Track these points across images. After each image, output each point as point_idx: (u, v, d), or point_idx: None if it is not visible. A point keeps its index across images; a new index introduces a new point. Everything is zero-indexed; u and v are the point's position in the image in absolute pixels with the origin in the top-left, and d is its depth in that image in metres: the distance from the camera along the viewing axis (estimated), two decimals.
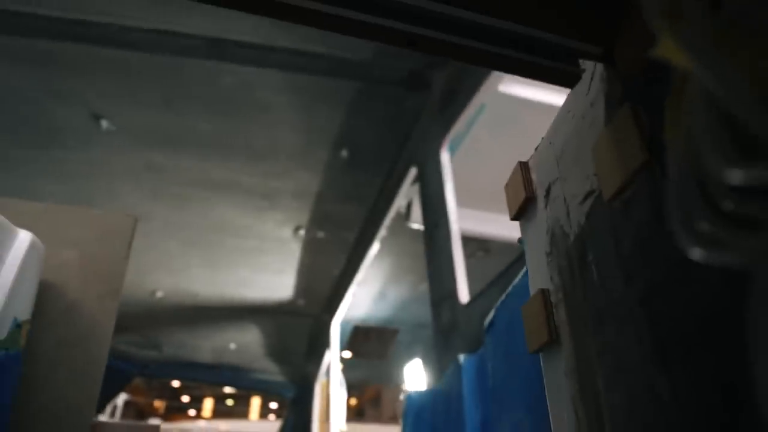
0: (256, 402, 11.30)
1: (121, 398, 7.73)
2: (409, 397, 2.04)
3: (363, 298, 4.86)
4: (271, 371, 6.20)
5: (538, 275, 0.62)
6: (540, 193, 0.65)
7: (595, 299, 0.49)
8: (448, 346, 2.47)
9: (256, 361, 6.01)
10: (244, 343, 5.65)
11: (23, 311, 0.92)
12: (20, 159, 2.22)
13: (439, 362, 2.52)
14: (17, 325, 0.91)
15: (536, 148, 0.67)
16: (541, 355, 0.57)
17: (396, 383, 6.57)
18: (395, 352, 5.73)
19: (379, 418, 8.89)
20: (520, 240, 0.69)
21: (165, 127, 2.84)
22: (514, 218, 0.71)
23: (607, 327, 0.47)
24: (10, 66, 2.38)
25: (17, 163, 2.91)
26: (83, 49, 2.33)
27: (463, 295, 2.52)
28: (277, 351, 5.83)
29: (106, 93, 2.58)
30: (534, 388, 0.88)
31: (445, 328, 2.63)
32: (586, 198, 0.52)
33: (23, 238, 0.92)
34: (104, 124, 2.74)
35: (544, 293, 0.59)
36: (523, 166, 0.70)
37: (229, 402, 11.56)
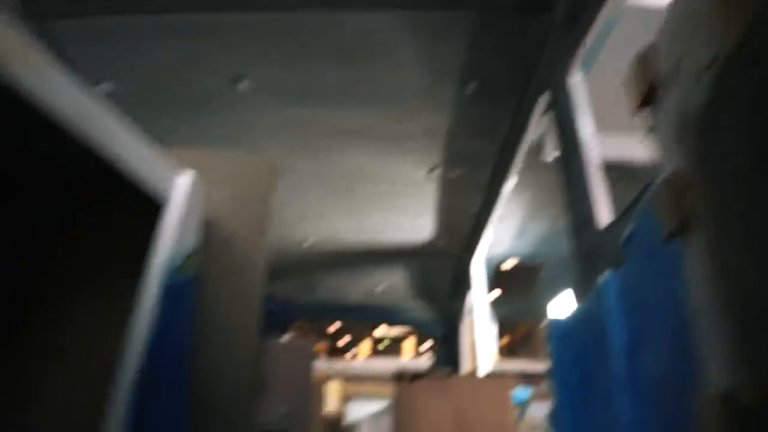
0: (409, 343, 12.03)
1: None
2: (553, 324, 1.97)
3: (503, 235, 4.76)
4: (419, 310, 6.52)
5: (668, 161, 0.55)
6: (663, 78, 0.57)
7: (729, 177, 0.41)
8: (589, 272, 2.31)
9: (403, 301, 6.36)
10: (390, 284, 5.99)
11: (192, 242, 1.08)
12: (164, 129, 2.55)
13: (581, 289, 2.38)
14: (188, 255, 1.07)
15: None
16: (676, 241, 0.51)
17: (541, 320, 6.44)
18: (542, 288, 5.57)
19: (531, 355, 8.85)
20: None
21: (297, 81, 3.02)
22: (638, 110, 0.66)
23: (743, 204, 0.39)
24: (154, 41, 2.72)
25: (161, 134, 3.34)
26: (215, 17, 2.55)
27: (603, 219, 2.33)
28: (422, 291, 6.08)
29: (240, 56, 2.82)
30: (679, 298, 0.78)
31: (585, 255, 2.46)
32: (709, 67, 0.44)
33: (186, 177, 1.07)
34: (241, 86, 3.01)
35: (675, 177, 0.51)
36: (642, 57, 0.64)
37: (384, 344, 12.46)
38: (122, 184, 0.94)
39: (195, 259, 1.06)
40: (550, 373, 1.93)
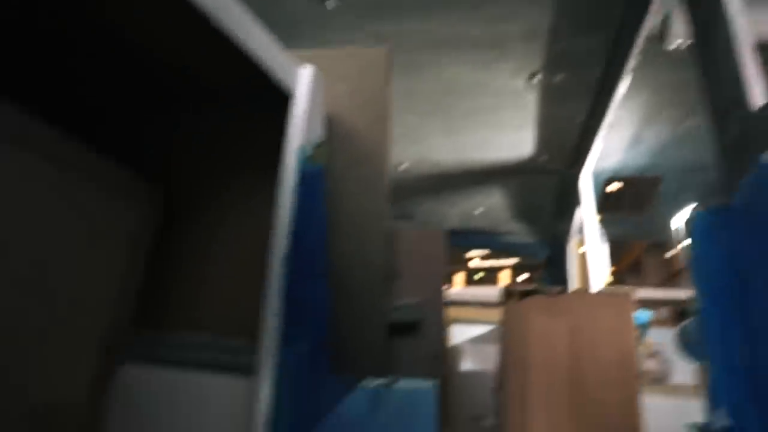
0: (505, 274, 11.92)
1: None
2: (696, 218, 1.76)
3: (614, 146, 4.36)
4: (520, 233, 6.35)
5: None
6: None
7: None
8: (738, 161, 2.02)
9: (503, 223, 6.22)
10: (489, 206, 5.85)
11: (317, 134, 1.08)
12: None
13: (727, 182, 2.10)
14: (316, 146, 1.07)
15: None
16: None
17: (662, 238, 5.97)
18: (658, 204, 5.11)
19: (644, 282, 8.37)
20: None
21: None
22: None
23: None
24: None
25: None
26: None
27: (757, 101, 1.98)
28: (523, 212, 5.88)
29: None
30: None
31: (732, 143, 2.14)
32: None
33: (307, 71, 1.05)
34: (329, 4, 2.92)
35: None
36: None
37: (479, 275, 12.46)
38: (255, 78, 0.94)
39: (322, 150, 1.06)
40: (693, 277, 1.76)
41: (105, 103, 1.04)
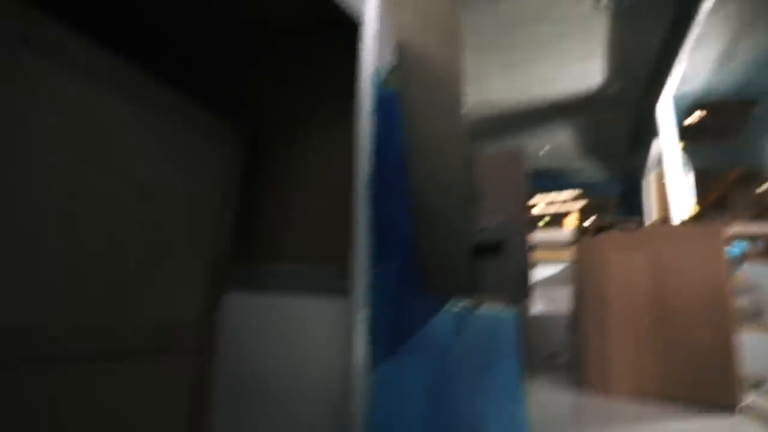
0: (571, 219, 11.48)
1: None
2: None
3: (698, 67, 3.97)
4: (590, 171, 6.06)
5: None
6: None
7: None
8: None
9: (571, 162, 5.95)
10: (556, 145, 5.60)
11: (389, 60, 1.07)
12: None
13: None
14: (389, 71, 1.06)
15: None
16: None
17: (755, 168, 5.46)
18: (750, 130, 4.66)
19: (737, 212, 7.77)
20: None
21: None
22: None
23: None
24: None
25: None
26: None
27: None
28: (593, 148, 5.58)
29: None
30: None
31: None
32: None
33: None
34: None
35: None
36: None
37: (544, 221, 12.07)
38: (325, 9, 0.94)
39: (395, 75, 1.05)
40: None
41: (192, 53, 1.08)
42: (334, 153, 1.04)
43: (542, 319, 3.96)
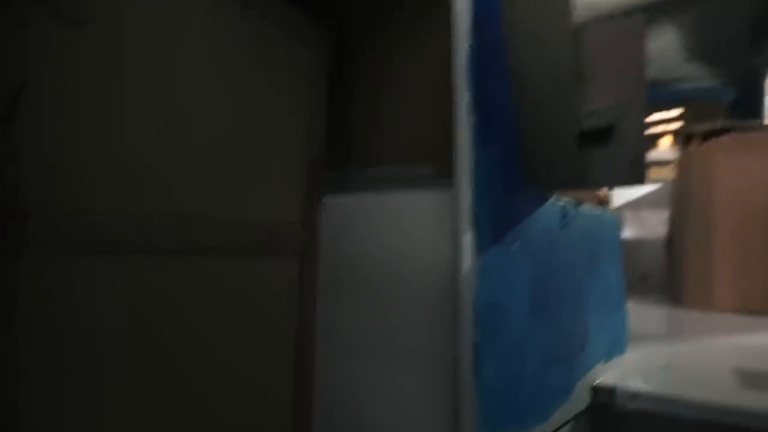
0: (666, 141, 10.49)
1: None
2: None
3: None
4: (698, 78, 5.38)
5: None
6: None
7: None
8: None
9: (676, 69, 5.30)
10: (657, 51, 5.00)
11: None
12: None
13: None
14: None
15: None
16: None
17: None
18: None
19: None
20: None
21: None
22: None
23: None
24: None
25: None
26: None
27: None
28: (702, 49, 4.92)
29: None
30: None
31: None
32: None
33: None
34: None
35: None
36: None
37: None
38: None
39: None
40: None
41: None
42: (427, 39, 0.98)
43: (632, 242, 3.77)
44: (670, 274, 3.13)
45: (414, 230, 0.98)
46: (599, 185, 1.32)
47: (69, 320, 0.58)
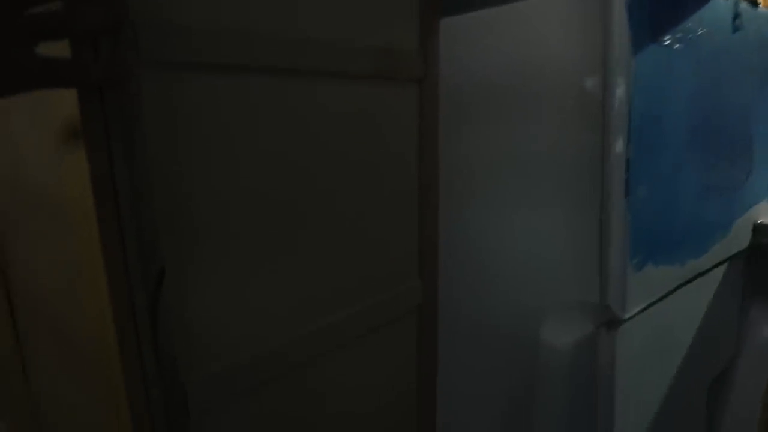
0: None
1: None
2: None
3: None
4: None
5: None
6: None
7: None
8: None
9: None
10: None
11: None
12: None
13: None
14: None
15: None
16: None
17: None
18: None
19: None
20: None
21: None
22: None
23: None
24: None
25: None
26: None
27: None
28: None
29: None
30: None
31: None
32: None
33: None
34: None
35: None
36: None
37: None
38: None
39: None
40: None
41: None
42: None
43: None
44: None
45: (551, 37, 0.84)
46: None
47: (191, 138, 0.57)
